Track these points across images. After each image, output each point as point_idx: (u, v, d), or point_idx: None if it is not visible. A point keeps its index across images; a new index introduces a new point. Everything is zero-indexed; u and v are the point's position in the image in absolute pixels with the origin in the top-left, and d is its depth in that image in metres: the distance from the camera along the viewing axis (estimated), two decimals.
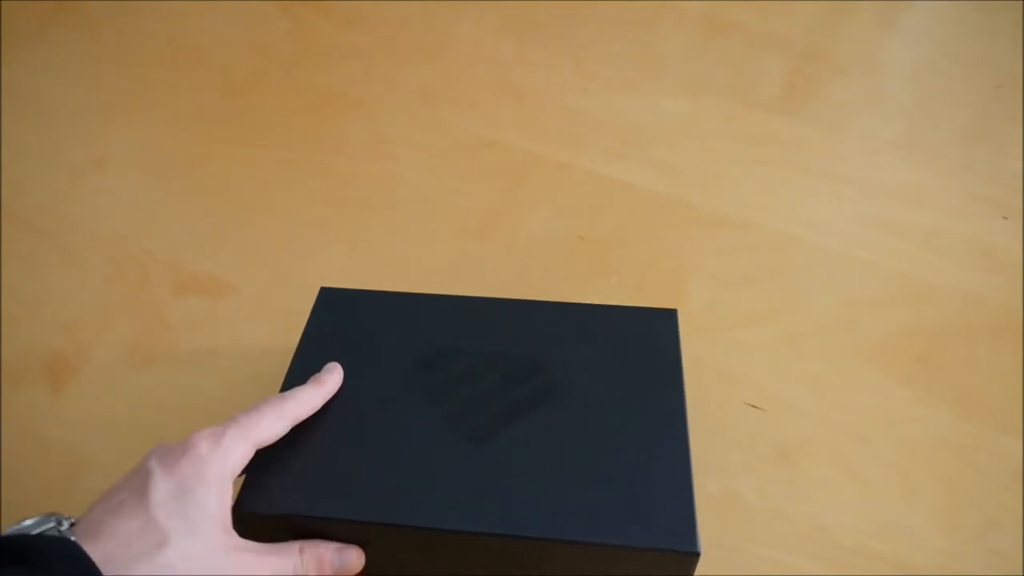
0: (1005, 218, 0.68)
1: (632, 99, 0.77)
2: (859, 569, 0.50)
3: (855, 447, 0.55)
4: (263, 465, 0.41)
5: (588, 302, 0.53)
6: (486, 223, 0.61)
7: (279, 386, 0.52)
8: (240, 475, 0.39)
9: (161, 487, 0.36)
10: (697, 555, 0.39)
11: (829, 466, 0.54)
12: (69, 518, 0.36)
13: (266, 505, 0.40)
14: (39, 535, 0.34)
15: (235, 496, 0.40)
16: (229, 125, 0.78)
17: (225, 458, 0.38)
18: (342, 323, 0.50)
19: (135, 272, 0.64)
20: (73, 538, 0.33)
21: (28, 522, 0.35)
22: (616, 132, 0.74)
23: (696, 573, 0.49)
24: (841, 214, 0.68)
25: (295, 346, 0.52)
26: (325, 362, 0.48)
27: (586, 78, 0.78)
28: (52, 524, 0.35)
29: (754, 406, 0.57)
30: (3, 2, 0.85)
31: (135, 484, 0.36)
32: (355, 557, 0.41)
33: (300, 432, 0.42)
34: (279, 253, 0.66)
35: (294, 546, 0.40)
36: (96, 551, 0.33)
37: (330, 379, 0.45)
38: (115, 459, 0.55)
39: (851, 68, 0.80)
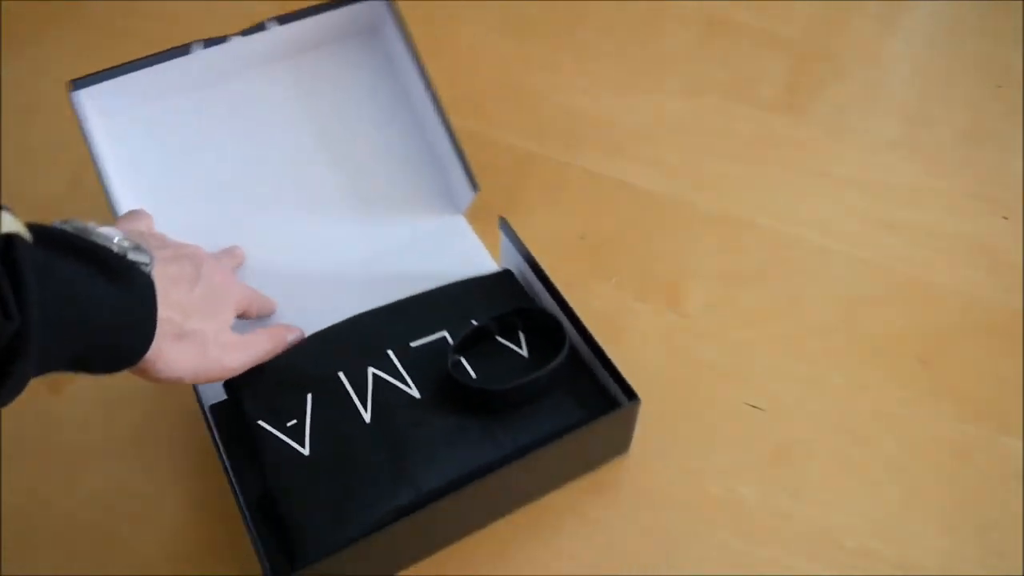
0: (1005, 218, 0.68)
1: (632, 99, 0.77)
2: (859, 569, 0.50)
3: (855, 447, 0.55)
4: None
5: (588, 302, 0.53)
6: (486, 223, 0.61)
7: None
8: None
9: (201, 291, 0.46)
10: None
11: (829, 466, 0.54)
12: (148, 260, 0.41)
13: None
14: (133, 263, 0.40)
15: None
16: None
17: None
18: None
19: None
20: (154, 283, 0.41)
21: (117, 239, 0.40)
22: (616, 132, 0.74)
23: (696, 573, 0.49)
24: (841, 214, 0.68)
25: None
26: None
27: (586, 78, 0.78)
28: (144, 260, 0.41)
29: (754, 406, 0.57)
30: (3, 2, 0.85)
31: (189, 272, 0.46)
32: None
33: None
34: None
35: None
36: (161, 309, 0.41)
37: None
38: (115, 459, 0.55)
39: (851, 68, 0.80)
